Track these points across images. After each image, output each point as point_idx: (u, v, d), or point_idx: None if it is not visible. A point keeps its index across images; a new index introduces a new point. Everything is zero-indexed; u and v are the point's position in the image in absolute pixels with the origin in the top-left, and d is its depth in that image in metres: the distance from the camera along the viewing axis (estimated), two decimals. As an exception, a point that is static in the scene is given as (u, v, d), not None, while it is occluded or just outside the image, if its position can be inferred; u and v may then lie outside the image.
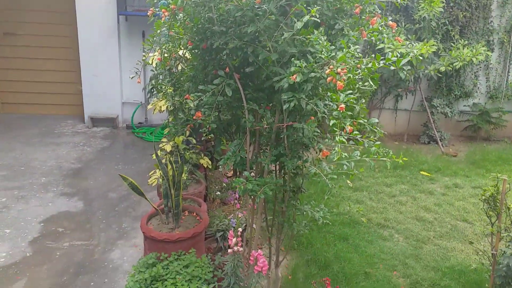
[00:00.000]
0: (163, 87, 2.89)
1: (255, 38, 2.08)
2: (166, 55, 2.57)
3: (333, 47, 1.74)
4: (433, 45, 2.03)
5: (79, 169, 5.11)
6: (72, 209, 4.08)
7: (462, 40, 6.37)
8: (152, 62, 3.13)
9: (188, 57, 2.62)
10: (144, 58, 2.59)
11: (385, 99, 7.12)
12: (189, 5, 2.08)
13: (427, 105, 6.81)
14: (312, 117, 1.97)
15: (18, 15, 6.77)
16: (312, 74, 1.68)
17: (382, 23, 2.08)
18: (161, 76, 2.92)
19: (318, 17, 1.75)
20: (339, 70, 1.54)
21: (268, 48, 1.98)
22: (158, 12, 2.26)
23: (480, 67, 7.17)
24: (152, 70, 3.12)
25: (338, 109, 1.58)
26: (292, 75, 1.71)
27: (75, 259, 3.28)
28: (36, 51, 6.98)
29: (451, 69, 5.92)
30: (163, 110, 3.50)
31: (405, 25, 6.34)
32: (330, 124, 1.59)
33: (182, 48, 2.49)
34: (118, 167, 5.26)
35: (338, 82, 1.53)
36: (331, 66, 1.59)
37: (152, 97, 3.91)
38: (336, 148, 1.49)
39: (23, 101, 7.22)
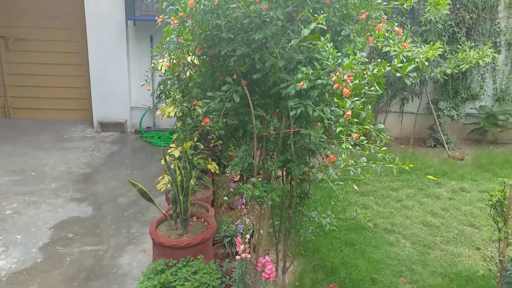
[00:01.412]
0: (172, 92, 2.92)
1: (263, 45, 2.10)
2: (174, 61, 2.60)
3: (340, 53, 1.76)
4: (439, 47, 2.03)
5: (89, 174, 5.16)
6: (82, 215, 4.13)
7: (469, 42, 6.34)
8: (161, 69, 3.17)
9: (197, 63, 2.65)
10: (153, 65, 2.63)
11: (391, 102, 7.10)
12: (197, 12, 2.09)
13: (433, 108, 6.78)
14: (319, 123, 1.99)
15: (28, 20, 6.89)
16: (319, 81, 1.70)
17: (388, 28, 2.10)
18: (169, 81, 2.95)
19: (324, 24, 1.76)
20: (345, 77, 1.55)
21: (275, 55, 1.99)
22: (167, 20, 2.29)
23: (487, 69, 7.13)
24: (160, 76, 3.16)
25: (345, 116, 1.59)
26: (299, 82, 1.72)
27: (85, 265, 3.31)
28: (46, 56, 7.09)
29: (457, 71, 5.90)
30: (172, 116, 3.53)
31: (411, 28, 6.33)
32: (337, 131, 1.60)
33: (191, 54, 2.52)
34: (127, 171, 5.30)
35: (345, 89, 1.54)
36: (337, 73, 1.61)
37: (161, 102, 3.94)
38: (343, 155, 1.50)
39: (33, 106, 7.32)
